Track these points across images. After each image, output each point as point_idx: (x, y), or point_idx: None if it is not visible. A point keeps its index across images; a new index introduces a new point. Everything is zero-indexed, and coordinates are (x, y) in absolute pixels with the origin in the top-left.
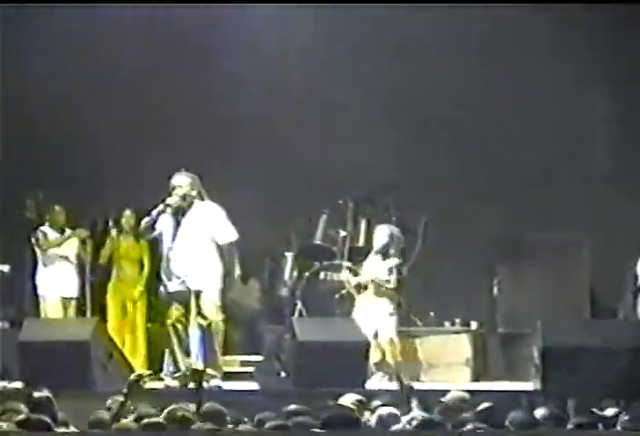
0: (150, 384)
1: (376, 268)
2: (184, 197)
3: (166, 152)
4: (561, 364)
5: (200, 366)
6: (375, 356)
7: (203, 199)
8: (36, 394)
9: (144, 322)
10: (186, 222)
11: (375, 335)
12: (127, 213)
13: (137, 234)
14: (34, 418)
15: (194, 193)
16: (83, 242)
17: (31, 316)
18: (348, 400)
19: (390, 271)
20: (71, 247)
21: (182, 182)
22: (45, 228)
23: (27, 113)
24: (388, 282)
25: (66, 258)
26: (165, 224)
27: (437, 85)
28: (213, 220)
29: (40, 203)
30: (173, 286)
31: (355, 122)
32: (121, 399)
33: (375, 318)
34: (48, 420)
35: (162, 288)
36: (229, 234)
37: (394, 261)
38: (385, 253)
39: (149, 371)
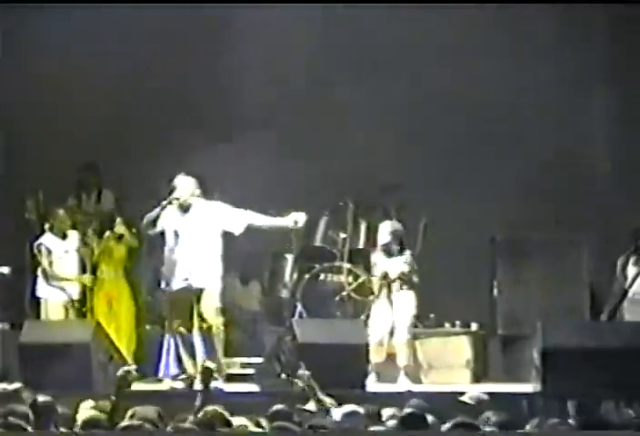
0: (154, 386)
1: (393, 264)
2: (187, 195)
3: (167, 152)
4: (561, 366)
5: (211, 364)
6: (378, 356)
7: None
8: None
9: (128, 322)
10: (190, 221)
11: (391, 334)
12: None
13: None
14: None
15: (196, 193)
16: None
17: (31, 318)
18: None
19: (410, 265)
20: (72, 244)
21: (184, 182)
22: (47, 237)
23: (28, 113)
24: (411, 273)
25: (68, 265)
26: (168, 222)
27: (437, 86)
28: (220, 214)
29: (40, 203)
30: (175, 285)
31: (355, 122)
32: (112, 398)
33: (394, 316)
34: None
35: (163, 288)
36: (242, 223)
37: (407, 254)
38: (388, 251)
39: (135, 366)
